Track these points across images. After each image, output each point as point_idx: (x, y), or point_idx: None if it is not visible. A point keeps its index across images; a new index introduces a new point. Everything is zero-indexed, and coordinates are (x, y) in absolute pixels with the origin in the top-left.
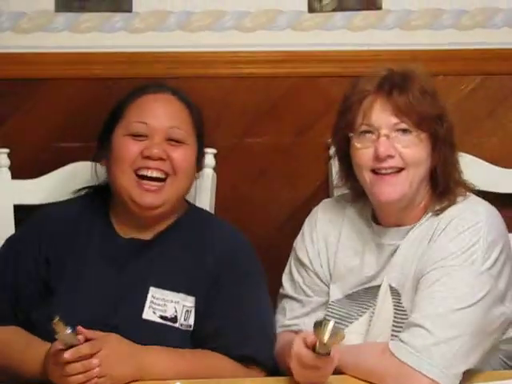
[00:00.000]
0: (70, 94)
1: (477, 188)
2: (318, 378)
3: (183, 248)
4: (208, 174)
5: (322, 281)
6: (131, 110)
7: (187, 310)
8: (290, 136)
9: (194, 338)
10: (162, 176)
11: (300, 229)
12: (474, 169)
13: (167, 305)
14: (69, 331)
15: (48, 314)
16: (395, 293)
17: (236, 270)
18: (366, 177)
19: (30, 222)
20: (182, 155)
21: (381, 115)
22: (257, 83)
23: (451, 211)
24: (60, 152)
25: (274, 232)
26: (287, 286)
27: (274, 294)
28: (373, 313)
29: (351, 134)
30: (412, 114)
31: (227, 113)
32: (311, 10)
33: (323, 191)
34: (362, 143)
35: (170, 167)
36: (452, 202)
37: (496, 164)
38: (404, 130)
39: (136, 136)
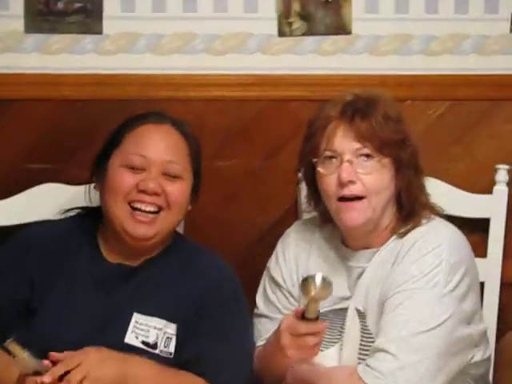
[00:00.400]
0: (40, 115)
1: (445, 212)
2: (312, 348)
3: (170, 275)
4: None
5: (295, 299)
6: (130, 140)
7: (168, 337)
8: (259, 159)
9: (174, 365)
10: (156, 210)
11: (269, 251)
12: (441, 193)
13: (150, 330)
14: (26, 354)
15: (30, 334)
16: (362, 316)
17: (220, 301)
18: (333, 204)
19: (10, 243)
20: (177, 190)
21: (343, 141)
22: (227, 106)
23: (414, 233)
24: (30, 173)
25: (242, 254)
26: (261, 306)
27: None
28: (341, 339)
29: (315, 160)
30: (374, 140)
31: (197, 135)
32: (281, 34)
33: (292, 214)
34: (325, 169)
35: (164, 201)
36: (416, 225)
37: (462, 189)
38: (367, 155)
39: (132, 168)
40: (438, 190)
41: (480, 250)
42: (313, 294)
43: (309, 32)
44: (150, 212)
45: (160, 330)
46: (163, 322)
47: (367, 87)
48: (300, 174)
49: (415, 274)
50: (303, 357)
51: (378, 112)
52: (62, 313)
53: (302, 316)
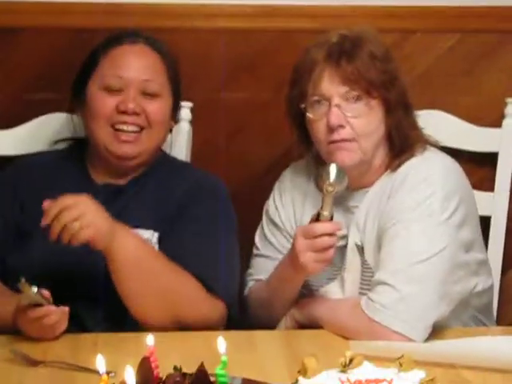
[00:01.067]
0: (44, 44)
1: (449, 146)
2: (327, 251)
3: (155, 190)
4: (184, 128)
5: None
6: (105, 63)
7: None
8: (267, 92)
9: None
10: (138, 129)
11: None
12: (449, 127)
13: None
14: (35, 290)
15: (24, 258)
16: (361, 251)
17: (202, 204)
18: (324, 147)
19: (3, 172)
20: (156, 108)
21: (331, 85)
22: (234, 37)
23: (407, 165)
24: (33, 103)
25: (250, 186)
26: (261, 246)
27: (249, 243)
28: (342, 275)
29: (303, 105)
30: (361, 82)
31: (204, 67)
32: None
33: None
34: (314, 114)
35: (145, 121)
36: (409, 157)
37: (471, 122)
38: (355, 98)
39: (111, 90)
40: (446, 124)
41: (488, 184)
42: (328, 183)
43: None
44: (132, 132)
45: (149, 240)
46: (147, 232)
47: (375, 19)
48: None
49: (410, 205)
50: (319, 260)
51: (364, 52)
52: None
53: (317, 219)
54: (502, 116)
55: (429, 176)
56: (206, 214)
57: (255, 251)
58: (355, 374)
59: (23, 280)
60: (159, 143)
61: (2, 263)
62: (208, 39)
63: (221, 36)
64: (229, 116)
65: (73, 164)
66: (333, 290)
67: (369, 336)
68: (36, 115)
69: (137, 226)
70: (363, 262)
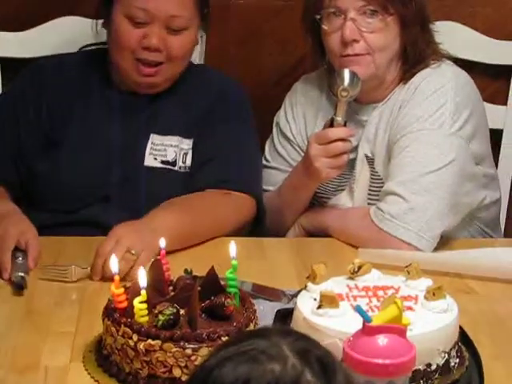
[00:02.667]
0: None
1: (464, 58)
2: (340, 157)
3: (182, 97)
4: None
5: (303, 152)
6: None
7: (184, 153)
8: None
9: (191, 178)
10: (160, 62)
11: (287, 92)
12: (464, 38)
13: (167, 149)
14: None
15: (53, 165)
16: (371, 161)
17: (226, 108)
18: (336, 60)
19: (24, 74)
20: (180, 44)
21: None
22: None
23: (418, 77)
24: (48, 4)
25: (261, 95)
26: (271, 159)
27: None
28: (351, 186)
29: (318, 16)
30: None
31: None
32: None
33: (312, 57)
34: (329, 26)
35: (166, 56)
36: (423, 67)
37: (488, 35)
38: (371, 13)
39: (135, 22)
40: (462, 36)
41: (501, 98)
42: (342, 88)
43: None
44: (154, 65)
45: (177, 146)
46: (178, 138)
47: None
48: None
49: (421, 115)
50: (333, 166)
51: None
52: (81, 144)
53: (331, 125)
54: None
55: (440, 87)
56: (237, 120)
57: (265, 163)
58: (363, 280)
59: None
60: (180, 71)
61: (31, 170)
62: None
63: None
64: (240, 22)
65: (97, 69)
66: (342, 200)
67: (377, 245)
68: (51, 17)
69: (167, 133)
70: (373, 173)
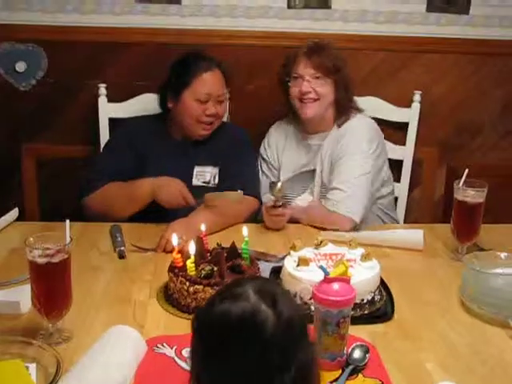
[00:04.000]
0: (148, 55)
1: (380, 117)
2: (276, 222)
3: (211, 140)
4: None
5: (275, 169)
6: (198, 83)
7: (214, 175)
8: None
9: (218, 190)
10: (213, 120)
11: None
12: (380, 106)
13: (205, 174)
14: None
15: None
16: (320, 174)
17: (238, 147)
18: (297, 103)
19: (122, 132)
20: (223, 108)
21: (304, 68)
22: (255, 50)
23: (348, 124)
24: (136, 87)
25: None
26: (259, 173)
27: None
28: (311, 188)
29: (287, 79)
30: (322, 68)
31: (236, 68)
32: (289, 7)
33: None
34: (293, 84)
35: (216, 116)
36: (348, 118)
37: (393, 104)
38: (317, 77)
39: (201, 101)
40: (379, 104)
41: (401, 140)
42: (274, 193)
43: (306, 6)
44: (210, 123)
45: (210, 172)
46: (211, 167)
47: (338, 42)
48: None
49: (350, 146)
50: (274, 226)
51: (325, 53)
52: (155, 172)
53: (273, 205)
54: (411, 100)
55: (359, 130)
56: (244, 152)
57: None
58: (323, 250)
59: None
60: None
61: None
62: (239, 51)
63: (246, 49)
64: (249, 98)
65: (160, 126)
66: (306, 198)
67: (332, 224)
68: (138, 94)
69: (205, 165)
70: (322, 181)
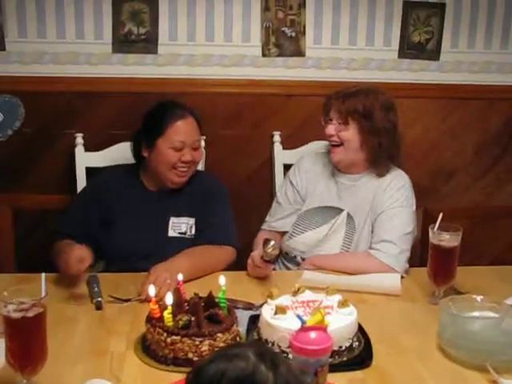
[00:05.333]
0: (125, 104)
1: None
2: (260, 273)
3: (187, 191)
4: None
5: (300, 196)
6: (172, 131)
7: (191, 226)
8: (248, 129)
9: (195, 242)
10: (188, 167)
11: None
12: None
13: (181, 225)
14: None
15: (109, 239)
16: (350, 218)
17: (214, 198)
18: (328, 145)
19: (91, 183)
20: (199, 155)
21: (333, 112)
22: (230, 98)
23: (388, 177)
24: (113, 136)
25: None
26: (279, 195)
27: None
28: (329, 227)
29: (323, 120)
30: (347, 113)
31: (212, 115)
32: (263, 55)
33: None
34: (325, 126)
35: (192, 163)
36: (386, 170)
37: None
38: (342, 122)
39: (176, 149)
40: None
41: None
42: (266, 251)
43: (280, 54)
44: (185, 170)
45: (187, 223)
46: (187, 218)
47: (312, 89)
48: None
49: (395, 200)
50: (257, 275)
51: (357, 97)
52: (127, 225)
53: (262, 257)
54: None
55: (402, 186)
56: (220, 202)
57: (275, 197)
58: (300, 297)
59: None
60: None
61: (96, 238)
62: (214, 99)
63: (222, 97)
64: (225, 145)
65: (133, 177)
66: (315, 235)
67: (378, 272)
68: (115, 143)
69: (181, 216)
70: (348, 225)
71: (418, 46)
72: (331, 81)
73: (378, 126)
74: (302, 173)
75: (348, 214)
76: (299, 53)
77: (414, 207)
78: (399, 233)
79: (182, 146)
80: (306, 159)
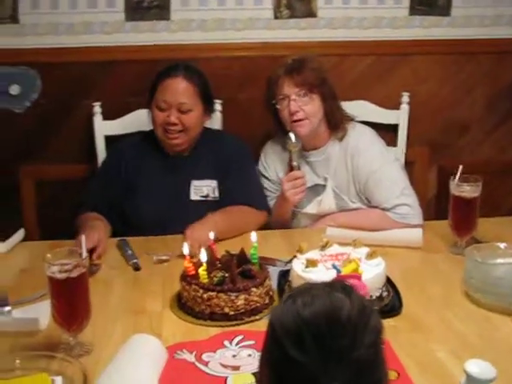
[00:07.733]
0: (142, 71)
1: (370, 120)
2: (301, 188)
3: (208, 153)
4: (217, 114)
5: (277, 184)
6: (159, 90)
7: (213, 188)
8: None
9: (220, 205)
10: (179, 130)
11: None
12: (369, 109)
13: (203, 188)
14: None
15: (134, 204)
16: (336, 193)
17: (241, 160)
18: (288, 125)
19: (110, 154)
20: (188, 119)
21: (288, 88)
22: (244, 62)
23: (351, 136)
24: (129, 104)
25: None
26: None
27: None
28: (318, 201)
29: (274, 101)
30: (306, 85)
31: (225, 80)
32: (276, 17)
33: None
34: (281, 106)
35: (182, 127)
36: (345, 130)
37: (382, 106)
38: (303, 94)
39: (161, 109)
40: (368, 108)
41: (392, 142)
42: (291, 144)
43: (292, 16)
44: (176, 132)
45: (209, 186)
46: (209, 181)
47: (325, 49)
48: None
49: (371, 163)
50: (297, 193)
51: (307, 67)
52: (150, 191)
53: (291, 169)
54: (400, 102)
55: (369, 139)
56: (245, 164)
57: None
58: (328, 251)
59: None
60: (196, 135)
61: (121, 208)
62: (229, 63)
63: (236, 60)
64: (241, 107)
65: (151, 143)
66: (311, 209)
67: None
68: (132, 111)
69: (202, 178)
70: (337, 194)
71: (428, 2)
72: (344, 40)
73: (332, 89)
74: (269, 165)
75: (332, 189)
76: (311, 13)
77: (392, 155)
78: (396, 192)
79: (167, 106)
80: (268, 151)
